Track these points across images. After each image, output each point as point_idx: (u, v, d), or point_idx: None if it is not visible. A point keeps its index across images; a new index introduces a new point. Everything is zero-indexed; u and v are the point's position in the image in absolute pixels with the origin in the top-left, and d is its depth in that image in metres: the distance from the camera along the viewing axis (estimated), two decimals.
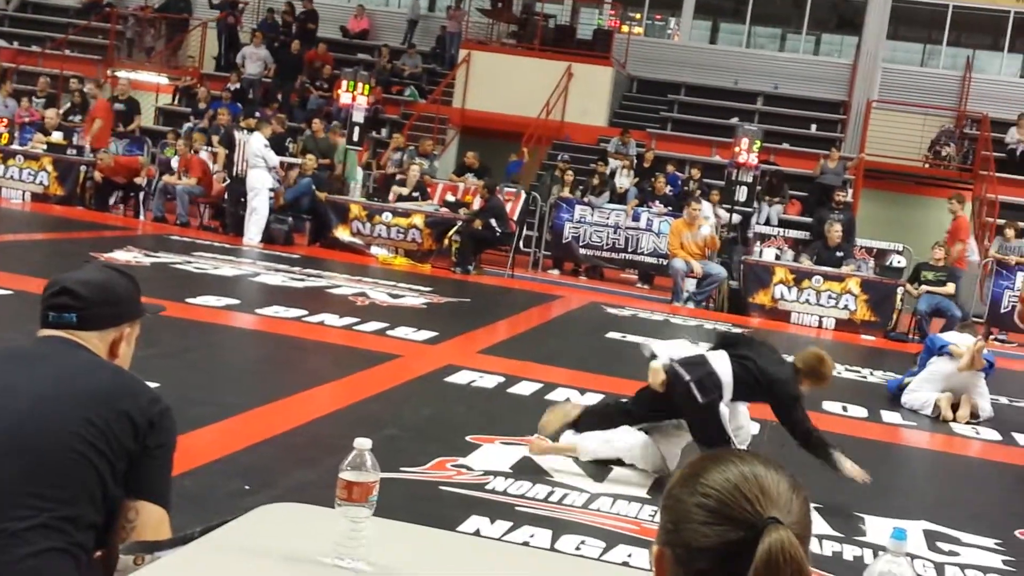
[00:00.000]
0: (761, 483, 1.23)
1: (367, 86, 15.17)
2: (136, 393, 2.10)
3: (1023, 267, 13.71)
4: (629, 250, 14.91)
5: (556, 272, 15.21)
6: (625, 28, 22.53)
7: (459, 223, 13.65)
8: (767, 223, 15.72)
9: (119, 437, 2.02)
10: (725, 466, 1.26)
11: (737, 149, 14.40)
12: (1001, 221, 14.82)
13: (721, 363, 5.14)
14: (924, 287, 12.46)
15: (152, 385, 5.42)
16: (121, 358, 2.25)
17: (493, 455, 5.16)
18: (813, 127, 19.96)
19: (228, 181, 14.46)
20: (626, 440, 5.19)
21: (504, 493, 4.60)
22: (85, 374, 2.08)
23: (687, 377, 5.06)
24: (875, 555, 4.30)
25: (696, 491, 1.24)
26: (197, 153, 14.86)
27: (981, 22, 21.30)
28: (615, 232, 14.93)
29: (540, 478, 4.88)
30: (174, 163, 14.99)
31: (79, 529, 1.95)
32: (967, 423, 7.66)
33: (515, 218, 14.23)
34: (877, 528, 4.74)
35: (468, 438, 5.39)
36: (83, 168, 15.20)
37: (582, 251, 15.04)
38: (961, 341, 8.00)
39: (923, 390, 7.90)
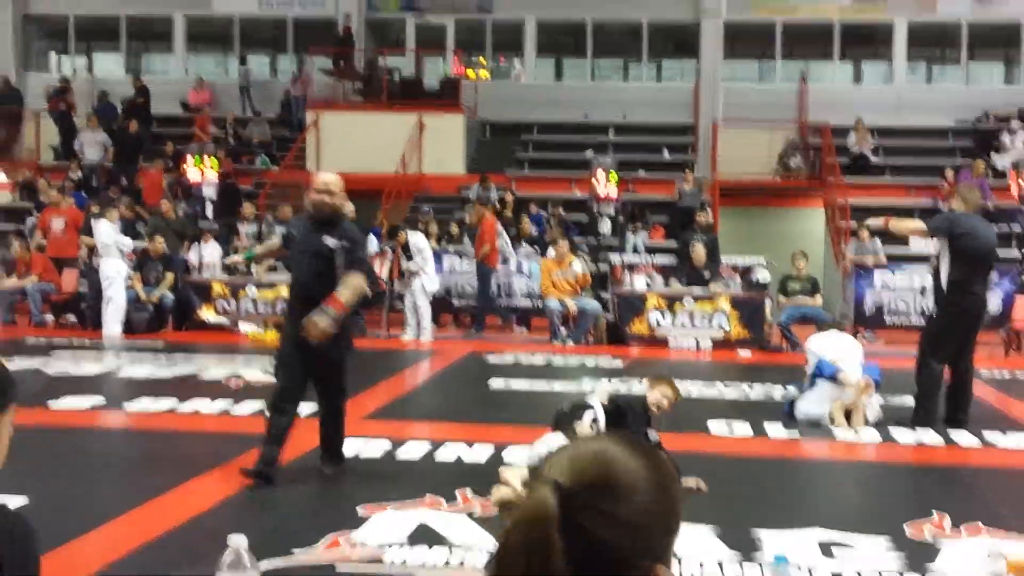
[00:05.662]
0: (575, 451, 1.27)
1: (215, 159, 14.87)
2: None
3: (881, 266, 14.19)
4: (503, 295, 14.88)
5: (433, 326, 15.07)
6: (471, 74, 22.72)
7: None
8: (634, 251, 15.95)
9: None
10: (577, 444, 1.30)
11: (595, 182, 14.62)
12: (854, 224, 15.31)
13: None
14: (792, 298, 12.84)
15: (20, 501, 5.11)
16: None
17: (386, 525, 5.03)
18: (665, 152, 20.42)
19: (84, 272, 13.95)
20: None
21: (403, 565, 4.48)
22: None
23: None
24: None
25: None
26: (41, 250, 14.30)
27: (810, 34, 22.21)
28: None
29: (438, 543, 4.77)
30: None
31: None
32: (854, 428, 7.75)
33: (383, 277, 14.08)
34: (773, 542, 4.78)
35: (359, 509, 5.24)
36: None
37: (456, 302, 14.92)
38: (842, 355, 8.11)
39: (816, 406, 7.96)
